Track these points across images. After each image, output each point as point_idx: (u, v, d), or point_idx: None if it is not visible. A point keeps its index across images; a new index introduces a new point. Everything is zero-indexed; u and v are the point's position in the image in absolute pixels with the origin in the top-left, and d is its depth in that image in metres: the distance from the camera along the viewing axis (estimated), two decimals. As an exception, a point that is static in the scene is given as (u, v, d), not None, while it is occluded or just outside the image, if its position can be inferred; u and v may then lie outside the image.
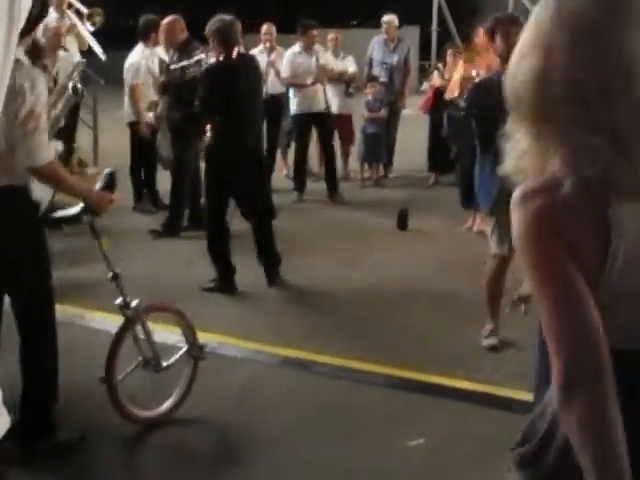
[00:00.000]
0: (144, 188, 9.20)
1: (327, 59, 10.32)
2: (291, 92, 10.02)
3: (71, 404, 4.30)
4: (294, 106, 9.97)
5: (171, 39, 8.05)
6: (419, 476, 3.78)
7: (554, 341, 1.53)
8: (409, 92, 11.48)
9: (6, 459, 3.79)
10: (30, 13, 3.22)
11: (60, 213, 4.23)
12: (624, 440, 1.50)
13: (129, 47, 9.02)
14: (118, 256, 7.04)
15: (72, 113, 8.47)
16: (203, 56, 6.73)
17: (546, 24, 1.53)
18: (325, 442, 4.06)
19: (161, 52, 8.71)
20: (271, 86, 9.96)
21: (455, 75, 9.23)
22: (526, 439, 1.75)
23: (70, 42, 9.23)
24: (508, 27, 4.42)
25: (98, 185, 4.01)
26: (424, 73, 16.62)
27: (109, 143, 10.34)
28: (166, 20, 8.16)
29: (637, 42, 1.47)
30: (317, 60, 9.85)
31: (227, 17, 6.39)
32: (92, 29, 9.48)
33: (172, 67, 7.48)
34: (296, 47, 9.99)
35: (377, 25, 11.61)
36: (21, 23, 2.73)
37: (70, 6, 9.46)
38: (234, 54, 6.31)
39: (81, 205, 3.94)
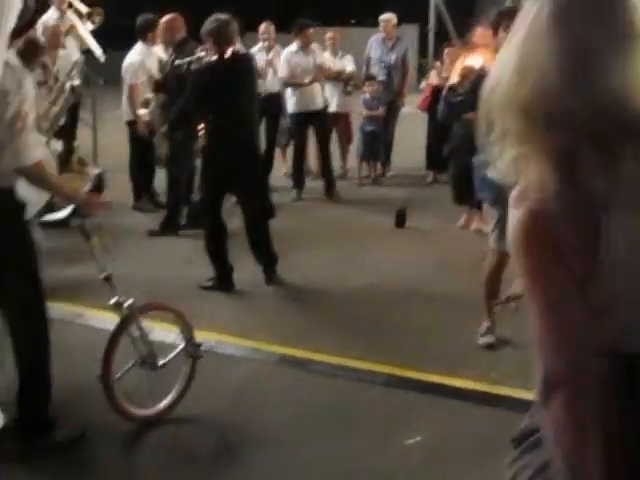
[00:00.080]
0: (143, 187, 9.21)
1: (324, 58, 10.33)
2: (289, 91, 10.02)
3: (70, 402, 4.32)
4: (292, 105, 9.98)
5: (170, 37, 8.06)
6: (418, 475, 3.78)
7: (538, 340, 1.56)
8: (408, 90, 11.48)
9: (4, 457, 3.81)
10: (22, 15, 3.24)
11: (49, 216, 4.22)
12: (599, 443, 1.51)
13: (128, 46, 9.03)
14: (117, 254, 7.09)
15: (72, 112, 8.51)
16: (203, 54, 6.72)
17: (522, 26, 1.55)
18: (323, 441, 4.06)
19: (160, 51, 8.73)
20: (269, 85, 9.98)
21: (457, 64, 9.18)
22: (522, 437, 1.77)
23: (70, 41, 9.23)
24: (512, 20, 4.44)
25: (87, 187, 4.01)
26: (423, 71, 16.62)
27: (108, 142, 10.35)
28: (165, 18, 8.16)
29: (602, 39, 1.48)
30: (314, 59, 9.86)
31: (223, 16, 6.39)
32: (91, 28, 9.48)
33: (177, 62, 7.46)
34: (293, 46, 9.99)
35: (375, 24, 11.60)
36: (9, 27, 2.74)
37: (70, 5, 9.46)
38: (228, 54, 6.31)
39: (70, 207, 3.94)
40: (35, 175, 3.71)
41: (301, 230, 8.36)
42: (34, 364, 3.92)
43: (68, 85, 7.59)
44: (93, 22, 9.49)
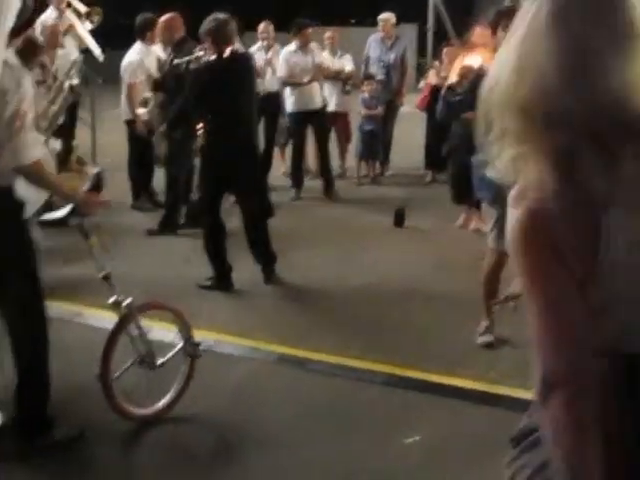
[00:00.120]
0: (142, 186, 9.21)
1: (323, 58, 10.33)
2: (287, 90, 10.02)
3: (69, 401, 4.33)
4: (290, 104, 9.98)
5: (169, 36, 8.05)
6: (417, 474, 3.78)
7: (537, 340, 1.56)
8: (407, 90, 11.49)
9: (2, 456, 3.81)
10: (21, 14, 3.24)
11: (47, 215, 4.22)
12: (599, 443, 1.51)
13: (127, 46, 9.04)
14: (116, 254, 7.10)
15: (70, 111, 8.50)
16: (202, 53, 6.72)
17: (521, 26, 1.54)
18: (322, 440, 4.06)
19: (159, 50, 8.73)
20: (268, 84, 9.98)
21: (455, 64, 9.17)
22: (521, 436, 1.77)
23: (69, 40, 9.24)
24: (510, 20, 4.42)
25: (85, 186, 4.00)
26: (422, 71, 16.62)
27: (107, 141, 10.36)
28: (164, 17, 8.16)
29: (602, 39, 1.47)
30: (313, 58, 9.86)
31: (221, 16, 6.39)
32: (90, 27, 9.48)
33: (176, 62, 7.46)
34: (292, 46, 9.99)
35: (375, 23, 11.61)
36: (7, 26, 2.74)
37: (69, 5, 9.47)
38: (227, 53, 6.31)
39: (69, 206, 3.94)
40: (34, 174, 3.71)
41: (300, 229, 8.36)
42: (33, 363, 3.92)
43: (67, 84, 7.59)
44: (92, 22, 9.50)
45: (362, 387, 4.70)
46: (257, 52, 10.02)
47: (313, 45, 10.10)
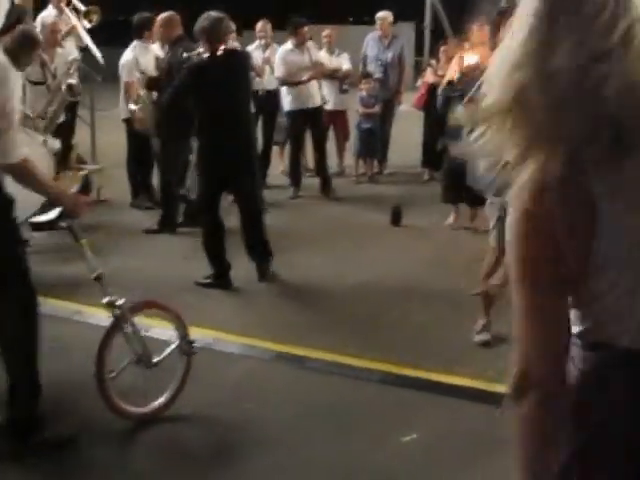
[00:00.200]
0: (141, 184, 9.23)
1: (320, 56, 10.33)
2: (284, 89, 10.01)
3: (68, 400, 4.35)
4: (288, 103, 9.97)
5: (167, 34, 8.04)
6: (415, 473, 3.79)
7: (520, 336, 1.60)
8: (405, 88, 11.51)
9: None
10: (10, 14, 3.26)
11: (36, 218, 4.19)
12: (557, 449, 1.57)
13: (127, 44, 9.04)
14: (115, 252, 7.13)
15: (70, 110, 8.52)
16: (202, 49, 6.72)
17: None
18: (321, 439, 4.07)
19: (157, 49, 8.73)
20: (267, 83, 10.00)
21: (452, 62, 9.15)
22: None
23: (68, 38, 9.23)
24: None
25: (74, 187, 3.97)
26: (420, 69, 16.63)
27: (107, 140, 10.36)
28: (162, 15, 8.16)
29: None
30: (310, 57, 9.87)
31: (214, 14, 6.37)
32: (89, 26, 9.49)
33: (185, 54, 7.43)
34: (288, 45, 9.98)
35: (373, 22, 11.62)
36: None
37: (68, 3, 9.47)
38: (219, 52, 6.30)
39: (57, 209, 3.91)
40: (21, 173, 3.67)
41: (298, 227, 8.39)
42: (24, 363, 3.88)
43: (65, 84, 7.61)
44: (90, 21, 9.49)
45: (359, 385, 4.71)
46: (255, 51, 10.03)
47: (310, 44, 10.11)
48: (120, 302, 4.09)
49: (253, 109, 7.95)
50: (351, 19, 30.53)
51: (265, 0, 23.28)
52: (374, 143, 10.80)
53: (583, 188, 1.48)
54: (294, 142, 10.13)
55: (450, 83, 7.33)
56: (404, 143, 11.51)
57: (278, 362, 5.07)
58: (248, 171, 6.47)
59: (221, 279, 6.42)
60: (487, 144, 1.56)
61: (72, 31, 9.25)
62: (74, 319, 5.60)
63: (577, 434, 1.59)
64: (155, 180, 9.08)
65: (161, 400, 4.28)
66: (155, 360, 4.21)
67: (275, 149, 10.74)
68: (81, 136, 9.56)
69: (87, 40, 9.48)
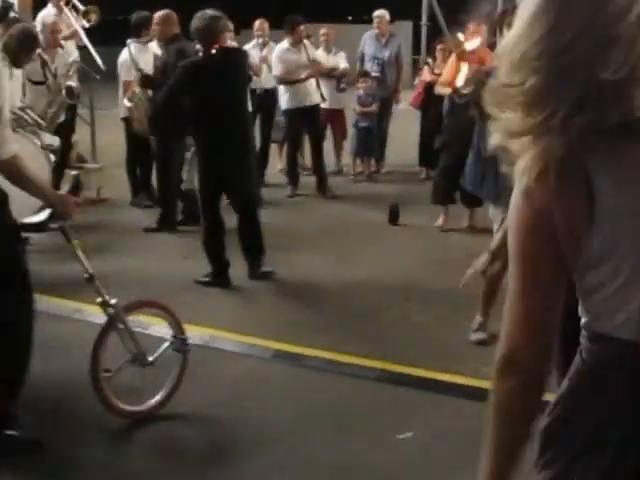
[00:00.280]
0: (140, 183, 9.26)
1: (316, 55, 10.35)
2: (282, 88, 10.03)
3: (67, 397, 4.35)
4: (285, 102, 9.99)
5: (164, 32, 8.04)
6: (414, 471, 3.80)
7: (506, 319, 1.62)
8: (403, 87, 11.53)
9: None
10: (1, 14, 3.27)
11: (27, 219, 4.14)
12: (527, 434, 1.63)
13: (126, 43, 9.04)
14: (115, 251, 7.17)
15: (70, 109, 8.54)
16: (199, 47, 6.73)
17: None
18: (320, 438, 4.08)
19: (155, 47, 8.74)
20: (264, 81, 10.01)
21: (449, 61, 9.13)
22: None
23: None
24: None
25: (65, 188, 3.93)
26: (417, 67, 16.65)
27: (107, 139, 10.38)
28: (159, 13, 8.15)
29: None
30: (308, 55, 9.89)
31: (209, 13, 6.35)
32: (87, 26, 9.50)
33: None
34: (284, 43, 10.00)
35: (371, 20, 11.65)
36: None
37: (68, 3, 9.48)
38: (213, 51, 6.29)
39: (47, 211, 3.84)
40: (10, 170, 3.61)
41: (296, 226, 8.42)
42: (14, 361, 3.83)
43: (64, 86, 7.62)
44: (89, 20, 9.50)
45: (358, 384, 4.73)
46: (252, 49, 10.04)
47: (306, 42, 10.11)
48: (113, 301, 4.09)
49: (251, 108, 7.99)
50: (350, 18, 30.54)
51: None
52: (371, 142, 10.83)
53: (583, 173, 1.47)
54: (292, 141, 10.16)
55: (456, 90, 7.32)
56: (401, 142, 11.53)
57: (277, 361, 5.09)
58: (245, 170, 6.48)
59: (220, 277, 6.45)
60: (499, 131, 1.54)
61: (73, 35, 9.26)
62: (74, 317, 5.62)
63: (576, 434, 1.59)
64: (154, 179, 9.12)
65: (157, 398, 4.27)
66: (150, 359, 4.20)
67: (273, 148, 10.77)
68: (81, 135, 9.58)
69: (87, 44, 9.46)
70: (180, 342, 4.37)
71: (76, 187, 3.99)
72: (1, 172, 3.63)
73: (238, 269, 6.54)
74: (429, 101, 10.08)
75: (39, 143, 6.16)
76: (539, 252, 1.55)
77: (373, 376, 4.81)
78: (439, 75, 9.47)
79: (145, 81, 7.88)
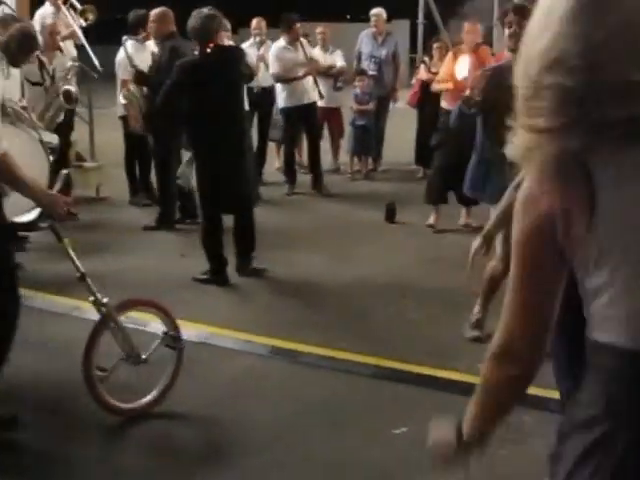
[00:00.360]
0: (139, 182, 9.28)
1: (313, 53, 10.36)
2: (279, 86, 10.04)
3: (66, 396, 4.36)
4: (282, 100, 10.00)
5: (160, 30, 8.03)
6: (409, 467, 3.76)
7: (505, 312, 1.65)
8: (400, 85, 11.55)
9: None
10: None
11: (17, 218, 4.11)
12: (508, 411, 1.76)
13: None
14: (114, 249, 7.19)
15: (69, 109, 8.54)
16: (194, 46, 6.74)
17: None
18: (317, 435, 4.09)
19: (153, 46, 8.75)
20: (262, 80, 10.02)
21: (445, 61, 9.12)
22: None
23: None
24: (523, 17, 3.88)
25: (55, 187, 3.90)
26: (414, 66, 16.69)
27: (105, 138, 10.38)
28: (155, 11, 8.13)
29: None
30: (305, 53, 9.91)
31: (206, 11, 6.36)
32: (84, 25, 9.51)
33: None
34: (281, 42, 10.00)
35: (367, 19, 11.67)
36: None
37: (65, 1, 9.49)
38: (208, 49, 6.31)
39: (36, 210, 3.85)
40: (1, 168, 3.58)
41: (293, 224, 8.45)
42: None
43: (62, 90, 7.63)
44: (86, 19, 9.52)
45: (353, 380, 4.75)
46: (249, 48, 10.04)
47: (303, 40, 10.12)
48: (105, 300, 4.09)
49: (248, 106, 8.01)
50: (348, 17, 30.54)
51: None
52: (368, 140, 10.84)
53: (585, 174, 1.48)
54: (289, 139, 10.18)
55: (466, 100, 7.29)
56: (398, 140, 11.54)
57: (274, 358, 5.10)
58: (242, 169, 6.49)
59: (218, 275, 6.46)
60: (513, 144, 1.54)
61: (72, 35, 9.27)
62: (73, 315, 5.63)
63: (582, 447, 1.57)
64: (153, 177, 9.13)
65: (151, 396, 4.27)
66: (144, 356, 4.18)
67: (271, 146, 10.79)
68: (80, 134, 9.57)
69: (85, 44, 9.47)
70: (172, 338, 4.34)
71: (66, 186, 3.95)
72: None
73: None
74: (425, 99, 10.11)
75: (38, 137, 6.18)
76: (541, 251, 1.58)
77: (368, 373, 4.83)
78: (436, 74, 9.49)
79: (139, 78, 7.85)
